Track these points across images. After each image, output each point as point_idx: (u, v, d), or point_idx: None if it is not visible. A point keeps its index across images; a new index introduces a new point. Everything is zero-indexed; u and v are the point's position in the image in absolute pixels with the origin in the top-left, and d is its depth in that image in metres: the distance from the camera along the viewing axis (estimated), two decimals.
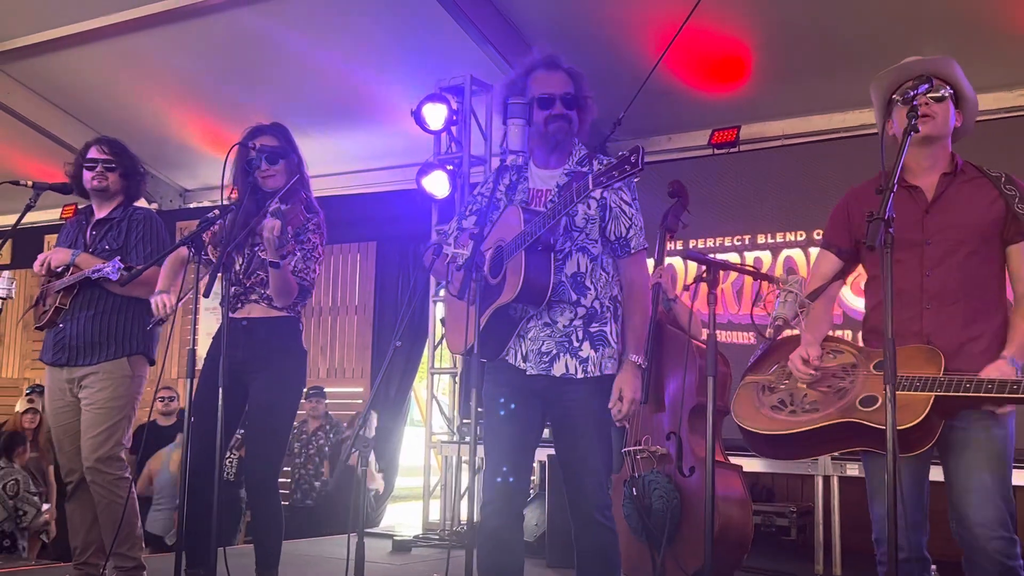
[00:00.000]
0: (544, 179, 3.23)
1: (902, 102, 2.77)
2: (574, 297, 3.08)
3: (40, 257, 4.14)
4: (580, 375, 3.06)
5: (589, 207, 3.08)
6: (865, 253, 2.92)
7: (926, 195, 2.83)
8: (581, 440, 3.08)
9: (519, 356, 3.13)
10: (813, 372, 2.77)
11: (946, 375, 2.56)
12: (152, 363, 4.20)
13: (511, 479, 3.10)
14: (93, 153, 4.18)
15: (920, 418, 2.50)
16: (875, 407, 2.59)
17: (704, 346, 3.13)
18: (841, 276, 3.02)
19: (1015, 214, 2.73)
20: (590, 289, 3.10)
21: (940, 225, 2.79)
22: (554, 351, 3.08)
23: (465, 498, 7.23)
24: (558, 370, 3.07)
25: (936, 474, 2.79)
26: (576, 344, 3.07)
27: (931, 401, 2.51)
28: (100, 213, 4.22)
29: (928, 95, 2.73)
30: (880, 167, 2.58)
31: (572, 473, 3.10)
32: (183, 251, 3.76)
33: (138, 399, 4.14)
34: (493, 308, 3.08)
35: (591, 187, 2.79)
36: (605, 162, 3.09)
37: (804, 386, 2.79)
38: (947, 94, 2.79)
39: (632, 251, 3.14)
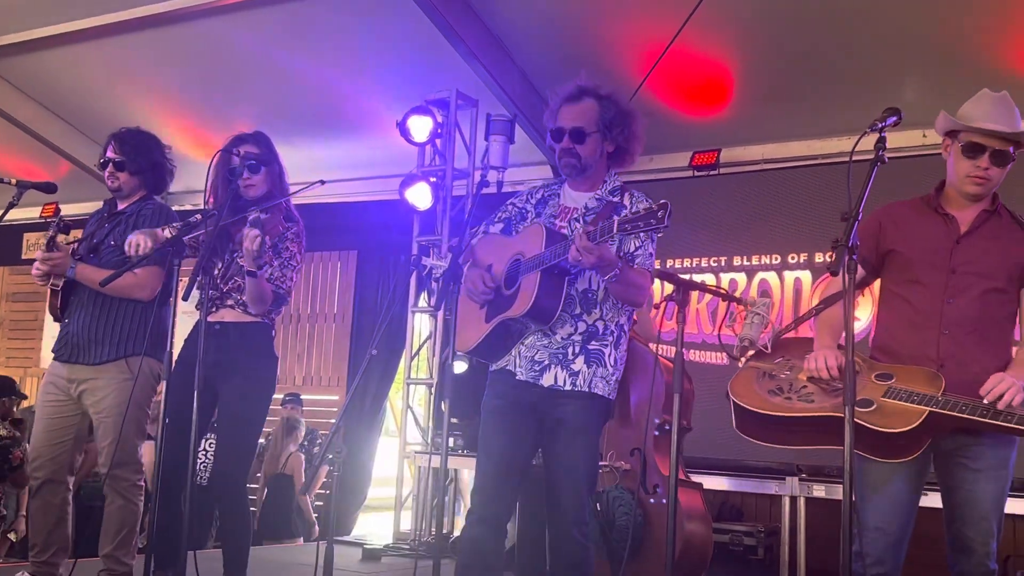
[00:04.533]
0: (575, 199, 3.30)
1: (965, 152, 2.83)
2: (579, 311, 3.12)
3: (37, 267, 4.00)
4: (568, 387, 3.09)
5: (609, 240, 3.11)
6: (884, 271, 2.97)
7: (960, 226, 2.90)
8: (564, 455, 3.10)
9: (516, 362, 3.18)
10: (836, 375, 2.79)
11: (944, 396, 2.62)
12: (161, 361, 4.10)
13: (497, 491, 3.14)
14: (108, 152, 4.15)
15: (912, 426, 2.55)
16: (870, 409, 2.64)
17: (670, 363, 3.19)
18: (859, 287, 3.06)
19: None
20: (597, 307, 3.14)
21: (969, 257, 2.85)
22: (546, 362, 3.12)
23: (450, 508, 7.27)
24: (547, 380, 3.10)
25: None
26: (570, 357, 3.11)
27: (925, 415, 2.57)
28: (120, 206, 4.19)
29: (993, 158, 2.80)
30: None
31: (552, 487, 3.12)
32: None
33: (151, 399, 4.09)
34: (500, 319, 3.13)
35: (615, 231, 2.84)
36: (637, 198, 3.19)
37: (803, 378, 2.84)
38: (1013, 157, 2.85)
39: (635, 266, 3.14)
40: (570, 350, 3.11)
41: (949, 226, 2.90)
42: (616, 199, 3.19)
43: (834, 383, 2.78)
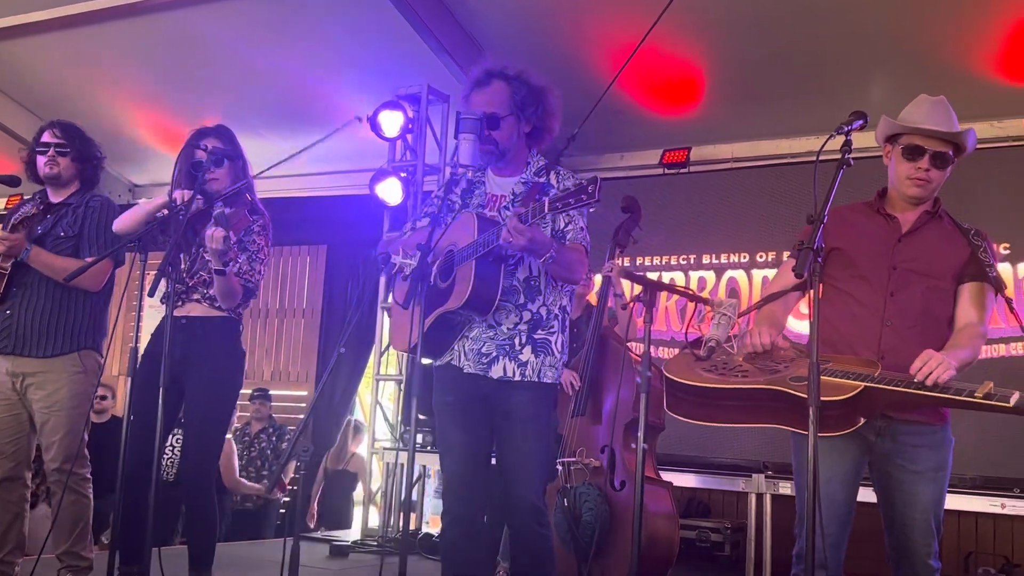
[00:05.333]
0: (501, 185, 3.27)
1: (905, 154, 2.89)
2: (522, 300, 3.11)
3: None
4: (518, 378, 3.09)
5: (540, 221, 3.10)
6: (827, 268, 3.00)
7: (901, 227, 2.96)
8: (516, 446, 3.10)
9: (461, 356, 3.16)
10: (768, 347, 2.81)
11: (881, 373, 2.64)
12: (102, 357, 4.10)
13: (465, 488, 3.14)
14: (46, 137, 4.08)
15: (845, 396, 2.55)
16: (803, 382, 2.65)
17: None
18: (802, 289, 3.09)
19: (977, 259, 2.87)
20: (541, 294, 3.13)
21: (910, 255, 2.91)
22: (494, 353, 3.11)
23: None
24: (496, 372, 3.10)
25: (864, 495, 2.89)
26: (518, 348, 3.10)
27: (860, 389, 2.58)
28: (56, 198, 4.11)
29: (933, 159, 2.86)
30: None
31: (507, 479, 3.12)
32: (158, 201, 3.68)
33: (94, 394, 4.07)
34: (438, 313, 3.10)
35: (547, 211, 2.84)
36: (563, 176, 3.15)
37: (740, 360, 2.86)
38: (952, 159, 2.91)
39: (567, 243, 3.13)
40: (517, 340, 3.10)
41: (891, 225, 2.96)
42: (542, 179, 3.16)
43: (769, 363, 2.79)
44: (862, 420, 2.66)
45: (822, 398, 2.47)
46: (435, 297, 3.14)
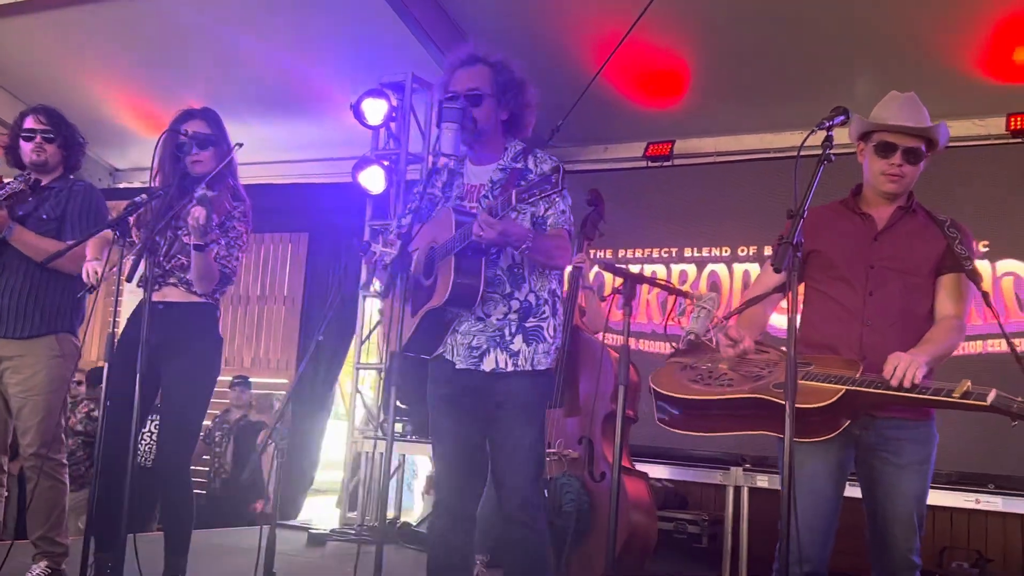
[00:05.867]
0: (478, 175, 3.25)
1: (878, 151, 2.91)
2: (508, 289, 3.08)
3: None
4: (510, 368, 3.06)
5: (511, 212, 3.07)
6: (806, 270, 3.01)
7: (877, 224, 2.97)
8: (508, 436, 3.07)
9: (453, 350, 3.14)
10: (737, 340, 2.83)
11: (862, 376, 2.66)
12: (79, 337, 4.05)
13: (457, 481, 3.12)
14: (30, 123, 4.05)
15: (827, 402, 2.58)
16: (785, 389, 2.68)
17: (616, 353, 3.20)
18: (782, 290, 3.10)
19: (954, 251, 2.88)
20: (526, 281, 3.10)
21: (886, 253, 2.92)
22: (484, 346, 3.08)
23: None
24: (488, 365, 3.07)
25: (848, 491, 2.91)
26: (508, 338, 3.07)
27: (841, 393, 2.60)
28: (42, 181, 4.08)
29: (906, 154, 2.89)
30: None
31: (497, 469, 3.10)
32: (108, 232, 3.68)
33: (71, 379, 4.03)
34: (425, 310, 3.09)
35: (514, 203, 2.83)
36: (541, 159, 3.14)
37: (724, 367, 2.87)
38: (925, 154, 2.93)
39: (548, 228, 3.11)
40: (507, 331, 3.08)
41: (866, 224, 2.97)
42: (520, 164, 3.13)
43: (753, 370, 2.81)
44: (846, 422, 2.68)
45: (804, 405, 2.50)
46: (420, 295, 3.12)
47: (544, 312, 3.13)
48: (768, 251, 6.42)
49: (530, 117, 3.26)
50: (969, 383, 2.53)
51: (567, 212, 3.15)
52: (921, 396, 2.56)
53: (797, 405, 2.37)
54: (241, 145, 3.65)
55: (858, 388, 2.60)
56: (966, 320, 2.94)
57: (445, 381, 3.17)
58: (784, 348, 2.89)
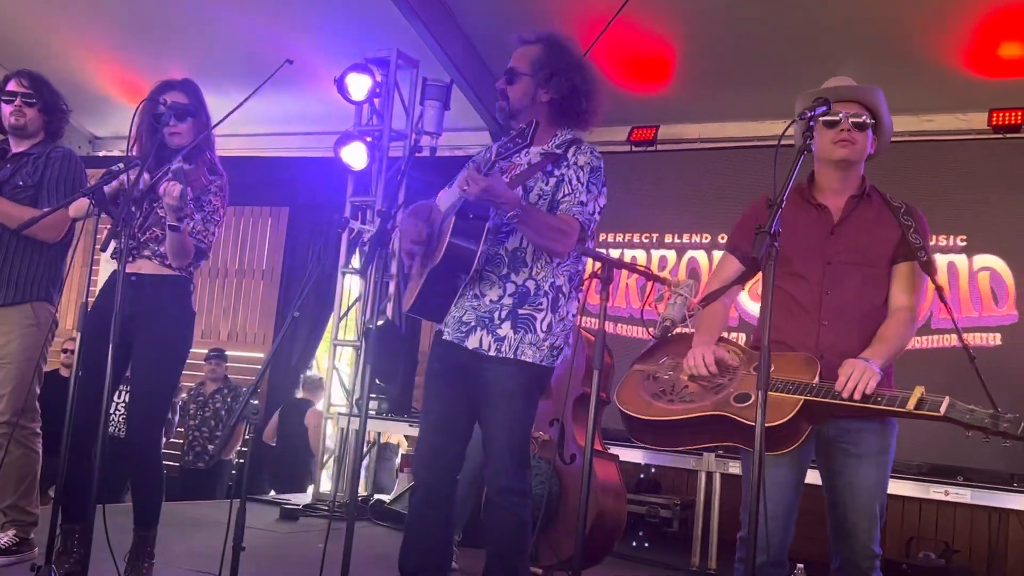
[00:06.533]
0: (521, 157, 3.15)
1: (826, 124, 2.87)
2: (506, 271, 3.03)
3: None
4: (493, 352, 3.01)
5: (547, 183, 3.04)
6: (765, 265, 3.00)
7: (833, 216, 2.94)
8: (489, 423, 3.04)
9: (447, 321, 3.12)
10: (714, 371, 2.82)
11: (819, 382, 2.66)
12: (56, 307, 4.00)
13: (436, 458, 3.09)
14: (12, 86, 3.98)
15: (786, 418, 2.59)
16: (747, 404, 2.69)
17: (592, 336, 3.20)
18: (741, 281, 3.10)
19: (908, 241, 2.87)
20: (527, 267, 3.04)
21: (843, 247, 2.90)
22: (472, 323, 3.04)
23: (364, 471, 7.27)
24: (472, 343, 3.03)
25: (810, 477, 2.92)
26: (496, 322, 3.01)
27: (800, 404, 2.61)
28: (17, 148, 4.01)
29: (851, 120, 2.86)
30: (797, 180, 2.68)
31: (485, 453, 3.07)
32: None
33: (48, 347, 4.00)
34: (428, 269, 3.05)
35: (494, 158, 2.82)
36: (582, 150, 3.08)
37: (685, 378, 2.87)
38: (869, 122, 2.90)
39: (559, 212, 3.02)
40: (496, 315, 3.02)
41: (822, 216, 2.95)
42: (560, 151, 3.05)
43: (714, 379, 2.82)
44: (808, 427, 2.70)
45: (767, 423, 2.49)
46: (429, 255, 3.10)
47: (541, 303, 3.04)
48: (723, 240, 6.43)
49: (582, 104, 3.13)
50: (923, 390, 2.54)
51: (586, 205, 3.04)
52: (875, 407, 2.58)
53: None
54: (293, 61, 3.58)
55: (816, 399, 2.61)
56: (919, 310, 2.94)
57: (437, 356, 3.15)
58: (742, 349, 2.92)
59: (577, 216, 3.01)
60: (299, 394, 8.63)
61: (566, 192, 3.03)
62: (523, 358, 3.01)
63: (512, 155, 2.83)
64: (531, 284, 3.04)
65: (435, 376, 3.15)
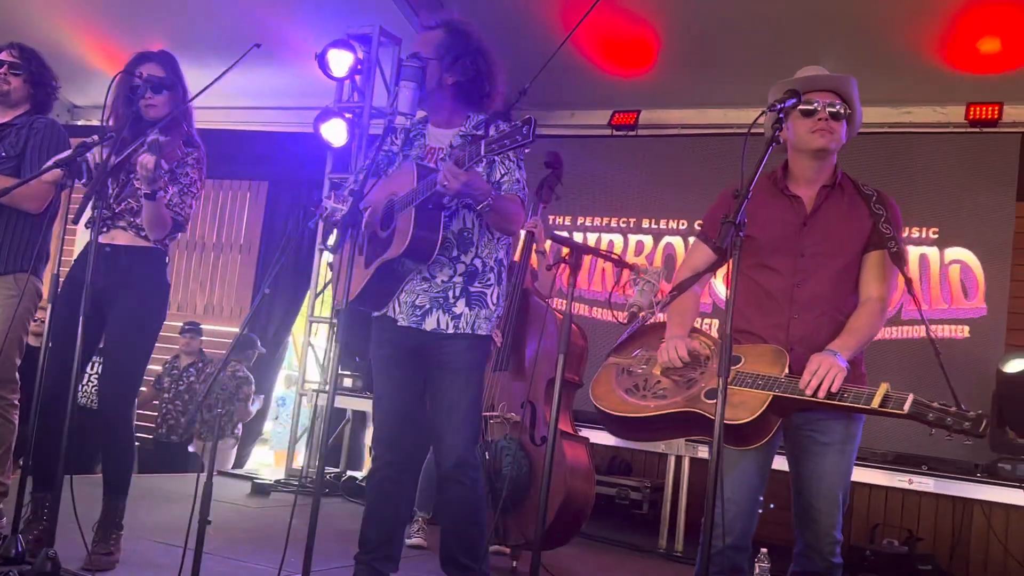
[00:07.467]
0: (439, 138, 3.27)
1: (802, 114, 2.88)
2: (455, 252, 3.12)
3: None
4: (451, 330, 3.11)
5: (477, 165, 3.09)
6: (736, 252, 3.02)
7: (806, 207, 2.95)
8: (445, 397, 3.13)
9: (396, 308, 3.17)
10: (687, 361, 2.85)
11: (787, 377, 2.69)
12: (42, 279, 3.99)
13: (396, 440, 3.18)
14: (2, 56, 3.97)
15: (754, 415, 2.62)
16: (716, 400, 2.73)
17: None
18: (712, 270, 3.13)
19: (878, 230, 2.88)
20: (474, 246, 3.14)
21: (815, 238, 2.91)
22: (427, 306, 3.12)
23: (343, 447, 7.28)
24: (429, 325, 3.11)
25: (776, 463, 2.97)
26: (451, 301, 3.12)
27: (768, 400, 2.64)
28: (1, 119, 3.98)
29: (828, 110, 2.86)
30: (769, 168, 2.71)
31: (436, 430, 3.15)
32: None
33: (30, 320, 3.98)
34: (380, 262, 3.10)
35: (483, 153, 2.84)
36: (500, 129, 3.12)
37: (658, 372, 2.90)
38: (845, 112, 2.90)
39: (503, 192, 3.13)
40: (451, 293, 3.12)
41: (795, 206, 2.96)
42: (481, 132, 3.10)
43: (687, 373, 2.85)
44: (777, 421, 2.73)
45: (734, 421, 2.55)
46: (376, 247, 3.13)
47: (489, 279, 3.18)
48: (697, 226, 6.45)
49: (486, 86, 3.23)
50: (888, 387, 2.57)
51: (521, 181, 3.19)
52: (840, 404, 2.61)
53: (727, 421, 2.40)
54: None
55: (784, 394, 2.64)
56: (890, 300, 2.97)
57: (386, 341, 3.22)
58: (710, 339, 2.95)
59: (519, 193, 3.16)
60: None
61: (502, 172, 3.14)
62: (479, 332, 3.15)
63: (510, 148, 2.82)
64: (478, 262, 3.16)
65: (385, 361, 3.23)
